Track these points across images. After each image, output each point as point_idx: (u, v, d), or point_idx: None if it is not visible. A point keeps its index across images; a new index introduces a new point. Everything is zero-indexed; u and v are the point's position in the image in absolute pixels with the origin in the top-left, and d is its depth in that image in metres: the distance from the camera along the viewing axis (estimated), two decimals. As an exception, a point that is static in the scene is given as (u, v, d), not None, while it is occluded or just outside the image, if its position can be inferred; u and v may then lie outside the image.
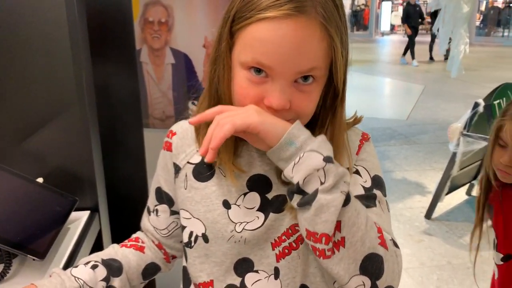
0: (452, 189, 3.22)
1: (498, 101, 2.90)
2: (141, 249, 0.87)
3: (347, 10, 23.05)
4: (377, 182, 0.77)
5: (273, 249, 0.74)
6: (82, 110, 1.04)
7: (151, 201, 0.88)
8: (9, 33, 1.00)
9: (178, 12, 1.68)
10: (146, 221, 0.89)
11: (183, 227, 0.80)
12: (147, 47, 1.79)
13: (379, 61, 13.31)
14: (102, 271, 0.78)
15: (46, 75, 1.02)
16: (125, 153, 1.32)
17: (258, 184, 0.74)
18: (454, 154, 2.98)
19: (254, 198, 0.74)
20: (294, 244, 0.74)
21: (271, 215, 0.74)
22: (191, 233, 0.78)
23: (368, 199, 0.75)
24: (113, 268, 0.80)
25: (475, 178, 3.51)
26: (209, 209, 0.75)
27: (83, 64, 1.03)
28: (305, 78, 0.64)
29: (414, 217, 3.24)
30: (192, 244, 0.78)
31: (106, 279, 0.78)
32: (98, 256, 0.81)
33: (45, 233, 0.87)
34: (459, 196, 3.52)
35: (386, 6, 24.20)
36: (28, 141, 1.05)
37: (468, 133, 2.88)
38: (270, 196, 0.74)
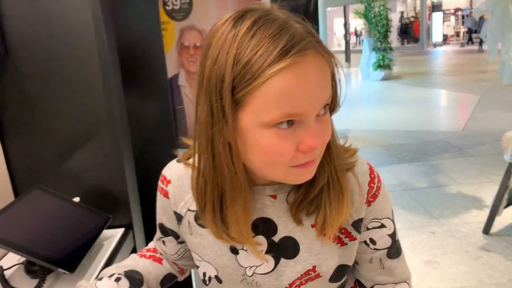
0: (511, 201, 3.03)
1: (555, 106, 2.72)
2: (159, 260, 0.90)
3: (396, 23, 22.66)
4: (393, 217, 0.80)
5: None
6: (113, 132, 1.11)
7: (157, 231, 0.88)
8: (43, 63, 1.09)
9: (211, 35, 1.74)
10: (156, 244, 0.91)
11: (197, 266, 0.81)
12: (184, 71, 1.86)
13: (432, 72, 12.89)
14: (125, 283, 0.81)
15: (79, 100, 1.10)
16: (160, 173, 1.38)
17: (263, 227, 0.73)
18: (510, 165, 2.82)
19: (261, 242, 0.73)
20: (303, 281, 0.75)
21: (283, 261, 0.73)
22: (204, 273, 0.80)
23: (396, 250, 0.80)
24: (135, 280, 0.83)
25: (537, 189, 3.29)
26: (218, 255, 0.75)
27: (113, 90, 1.10)
28: (323, 108, 0.62)
29: (471, 232, 3.07)
30: (207, 282, 0.80)
31: None
32: (120, 267, 0.84)
33: (77, 248, 0.93)
34: (520, 209, 3.31)
35: (437, 17, 23.53)
36: (65, 163, 1.13)
37: (524, 142, 2.72)
38: (276, 238, 0.73)
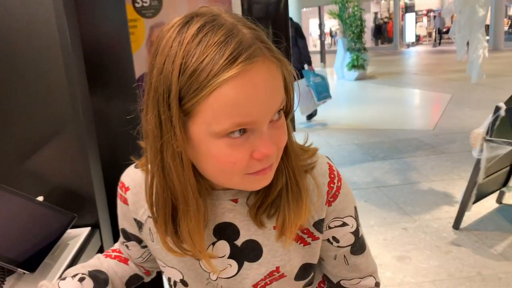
0: (480, 197, 3.10)
1: (520, 103, 2.81)
2: (125, 261, 0.89)
3: (370, 24, 23.00)
4: (356, 214, 0.78)
5: None
6: (78, 130, 1.09)
7: (120, 236, 0.86)
8: (5, 61, 1.06)
9: (181, 33, 1.73)
10: (120, 248, 0.90)
11: (162, 271, 0.81)
12: (155, 69, 1.84)
13: (405, 72, 13.15)
14: (89, 284, 0.79)
15: (42, 98, 1.08)
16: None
17: (225, 232, 0.72)
18: (478, 161, 2.89)
19: (223, 247, 0.72)
20: (268, 282, 0.75)
21: (246, 264, 0.73)
22: (169, 279, 0.79)
23: (360, 246, 0.79)
24: (99, 280, 0.82)
25: (504, 185, 3.38)
26: (181, 260, 0.74)
27: (77, 87, 1.08)
28: (277, 113, 0.61)
29: (442, 228, 3.14)
30: (173, 286, 0.80)
31: None
32: (84, 267, 0.83)
33: (38, 248, 0.91)
34: (489, 204, 3.40)
35: (410, 18, 24.00)
36: (28, 161, 1.10)
37: (490, 138, 2.80)
38: (239, 242, 0.72)
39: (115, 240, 1.26)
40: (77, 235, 1.09)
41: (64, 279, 0.79)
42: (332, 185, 0.73)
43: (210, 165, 0.61)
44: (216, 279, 0.74)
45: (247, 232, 0.72)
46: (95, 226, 1.15)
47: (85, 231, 1.12)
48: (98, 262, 0.86)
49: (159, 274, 1.21)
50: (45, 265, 0.94)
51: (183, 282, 0.77)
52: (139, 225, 0.77)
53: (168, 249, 0.68)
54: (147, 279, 0.93)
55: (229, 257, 0.73)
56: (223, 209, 0.71)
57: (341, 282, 0.82)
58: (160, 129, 0.58)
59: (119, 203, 0.80)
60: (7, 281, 0.87)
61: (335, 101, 8.02)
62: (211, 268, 0.70)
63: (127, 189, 0.77)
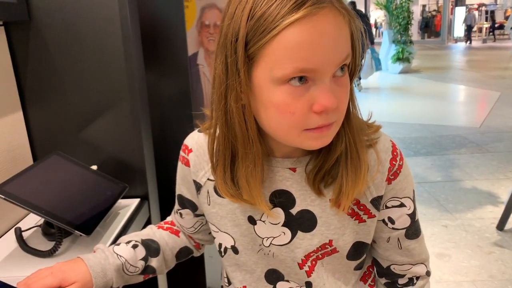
0: (528, 199, 2.98)
1: None
2: (176, 233, 0.91)
3: (417, 16, 22.28)
4: (414, 197, 0.77)
5: (301, 268, 0.75)
6: (133, 103, 1.11)
7: (176, 203, 0.89)
8: (66, 31, 1.10)
9: (232, 14, 1.72)
10: (173, 218, 0.92)
11: (213, 237, 0.82)
12: (203, 49, 1.85)
13: (452, 67, 12.69)
14: (141, 251, 0.82)
15: (100, 70, 1.11)
16: (178, 147, 1.39)
17: (281, 199, 0.73)
18: (529, 161, 2.77)
19: (278, 214, 0.73)
20: (320, 256, 0.75)
21: (300, 233, 0.73)
22: (220, 244, 0.80)
23: (415, 231, 0.79)
24: (152, 249, 0.84)
25: (555, 188, 3.23)
26: (236, 224, 0.76)
27: (134, 60, 1.10)
28: (340, 69, 0.60)
29: (485, 228, 3.03)
30: (223, 254, 0.81)
31: (145, 259, 0.82)
32: (138, 236, 0.85)
33: (93, 213, 0.94)
34: (537, 207, 3.25)
35: (460, 12, 23.06)
36: (84, 131, 1.14)
37: (544, 138, 2.67)
38: (294, 211, 0.73)
39: (162, 213, 1.29)
40: (127, 205, 1.12)
41: (118, 244, 0.82)
42: (394, 162, 0.72)
43: (270, 116, 0.61)
44: (269, 245, 0.75)
45: (303, 202, 0.72)
46: (144, 198, 1.19)
47: (135, 202, 1.15)
48: (151, 232, 0.89)
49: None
50: (96, 232, 0.97)
51: (234, 249, 0.78)
52: (198, 187, 0.79)
53: (225, 193, 0.70)
54: (196, 253, 0.94)
55: (283, 225, 0.73)
56: (280, 176, 0.72)
57: (391, 267, 0.82)
58: (226, 74, 0.60)
59: (180, 166, 0.82)
60: (63, 243, 0.91)
61: (377, 94, 7.87)
62: (264, 208, 0.69)
63: (190, 151, 0.79)
